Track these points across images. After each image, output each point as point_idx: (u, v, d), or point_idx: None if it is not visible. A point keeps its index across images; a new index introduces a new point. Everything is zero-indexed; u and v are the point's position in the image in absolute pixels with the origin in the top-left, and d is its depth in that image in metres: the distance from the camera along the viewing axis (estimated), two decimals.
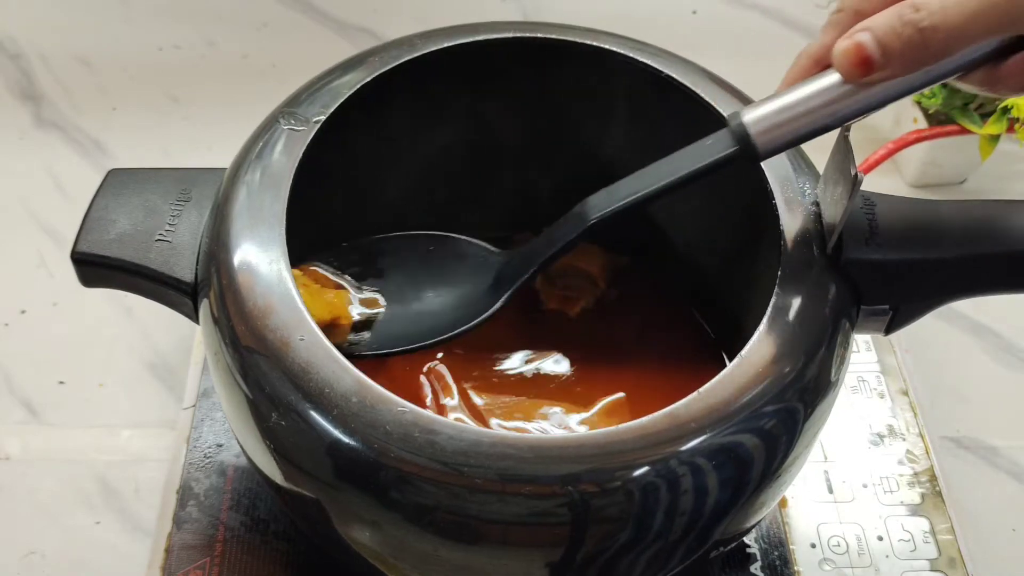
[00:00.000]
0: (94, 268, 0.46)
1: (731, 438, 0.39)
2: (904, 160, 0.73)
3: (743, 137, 0.41)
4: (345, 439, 0.38)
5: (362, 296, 0.49)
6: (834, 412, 0.45)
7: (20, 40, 0.80)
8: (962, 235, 0.44)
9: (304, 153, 0.46)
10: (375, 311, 0.49)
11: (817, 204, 0.46)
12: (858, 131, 0.44)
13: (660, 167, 0.43)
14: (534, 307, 0.55)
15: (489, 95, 0.54)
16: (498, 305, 0.47)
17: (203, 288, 0.44)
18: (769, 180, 0.46)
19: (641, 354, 0.54)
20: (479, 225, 0.53)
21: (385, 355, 0.47)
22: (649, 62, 0.51)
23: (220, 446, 0.55)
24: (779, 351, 0.41)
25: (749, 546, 0.53)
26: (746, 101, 0.49)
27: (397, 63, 0.50)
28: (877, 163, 0.70)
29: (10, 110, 0.76)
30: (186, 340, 0.62)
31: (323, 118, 0.47)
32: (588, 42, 0.51)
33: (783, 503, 0.55)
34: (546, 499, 0.38)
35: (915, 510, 0.55)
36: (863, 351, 0.61)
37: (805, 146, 0.48)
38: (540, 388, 0.52)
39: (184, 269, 0.45)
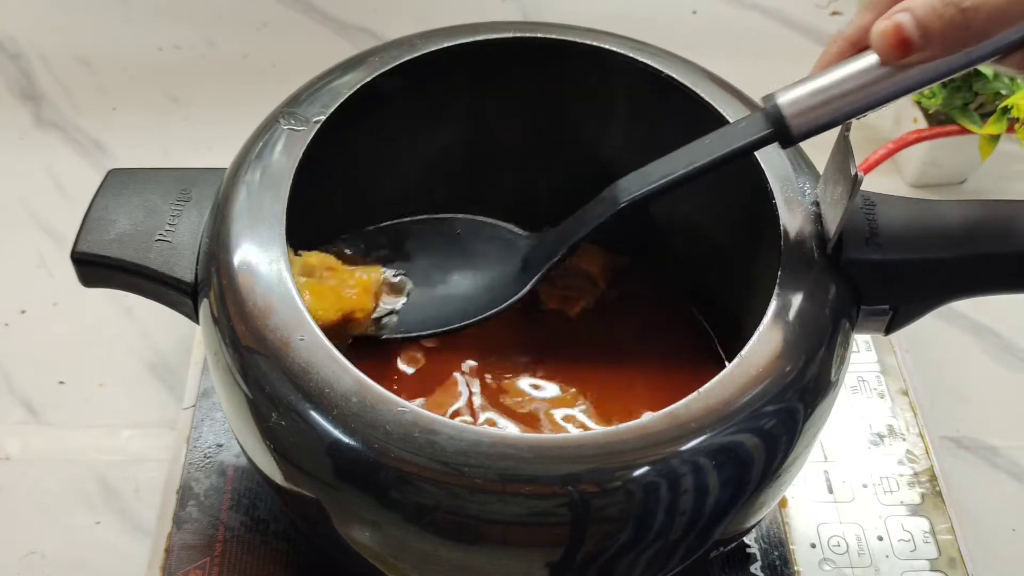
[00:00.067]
0: (94, 268, 0.46)
1: (731, 438, 0.39)
2: (904, 160, 0.73)
3: (777, 119, 0.41)
4: (345, 439, 0.38)
5: (392, 280, 0.49)
6: (834, 412, 0.45)
7: (20, 40, 0.80)
8: (962, 235, 0.44)
9: (304, 153, 0.46)
10: (406, 289, 0.49)
11: (817, 204, 0.46)
12: (858, 131, 0.44)
13: (692, 150, 0.43)
14: (534, 307, 0.55)
15: (489, 95, 0.54)
16: (527, 288, 0.47)
17: (203, 288, 0.44)
18: (769, 180, 0.46)
19: (641, 354, 0.54)
20: None
21: (414, 338, 0.47)
22: (649, 62, 0.51)
23: (220, 446, 0.55)
24: (779, 351, 0.41)
25: (749, 546, 0.53)
26: (746, 101, 0.49)
27: (397, 63, 0.50)
28: (877, 163, 0.70)
29: (10, 110, 0.76)
30: (186, 340, 0.61)
31: (323, 118, 0.47)
32: (588, 42, 0.51)
33: (783, 503, 0.55)
34: (546, 499, 0.38)
35: (915, 510, 0.55)
36: (863, 351, 0.61)
37: (805, 146, 0.48)
38: (540, 388, 0.52)
39: (184, 269, 0.45)
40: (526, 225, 0.53)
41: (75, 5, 0.83)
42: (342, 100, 0.48)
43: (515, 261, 0.48)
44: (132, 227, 0.46)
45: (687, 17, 0.85)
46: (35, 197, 0.70)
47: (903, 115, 0.72)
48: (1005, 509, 0.58)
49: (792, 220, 0.45)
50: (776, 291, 0.43)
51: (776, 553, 0.53)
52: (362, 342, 0.49)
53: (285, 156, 0.46)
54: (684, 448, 0.38)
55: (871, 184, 0.46)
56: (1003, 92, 0.66)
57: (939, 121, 0.70)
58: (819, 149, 0.47)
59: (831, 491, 0.55)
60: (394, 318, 0.48)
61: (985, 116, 0.68)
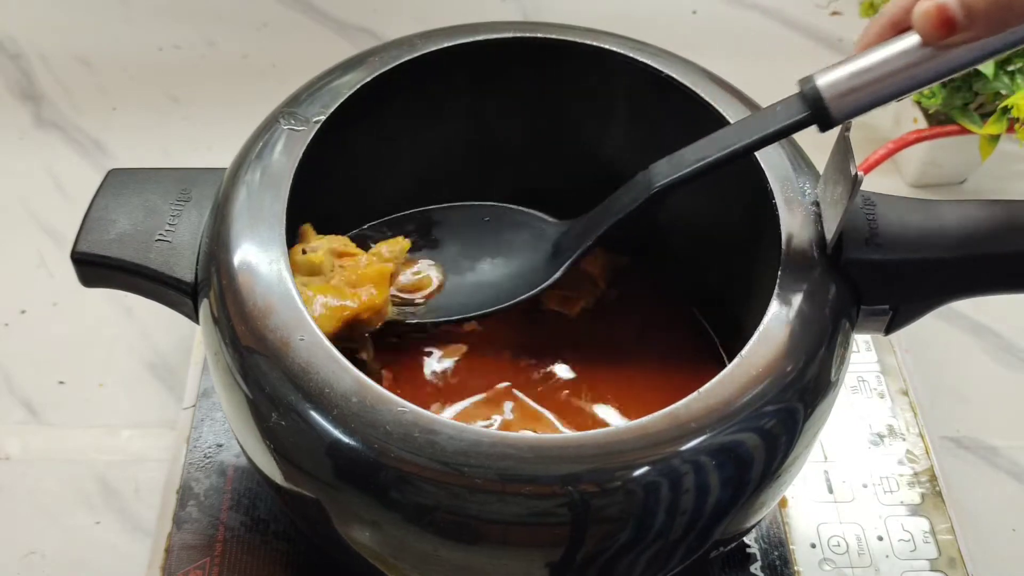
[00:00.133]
0: (94, 268, 0.46)
1: (731, 438, 0.39)
2: (904, 160, 0.73)
3: (816, 101, 0.40)
4: (345, 439, 0.38)
5: (416, 267, 0.49)
6: (834, 412, 0.45)
7: (20, 40, 0.80)
8: (962, 235, 0.44)
9: (304, 153, 0.46)
10: (428, 288, 0.49)
11: (817, 204, 0.46)
12: (858, 131, 0.44)
13: (726, 134, 0.43)
14: (534, 307, 0.55)
15: (489, 95, 0.54)
16: (560, 272, 0.47)
17: (203, 288, 0.44)
18: (769, 180, 0.46)
19: (641, 354, 0.54)
20: None
21: (442, 323, 0.47)
22: (649, 62, 0.51)
23: (220, 446, 0.55)
24: (779, 351, 0.41)
25: (749, 546, 0.53)
26: (746, 101, 0.49)
27: (397, 63, 0.50)
28: (877, 163, 0.70)
29: (10, 110, 0.76)
30: (186, 340, 0.62)
31: (323, 118, 0.47)
32: (588, 42, 0.51)
33: (783, 503, 0.55)
34: (546, 499, 0.38)
35: (915, 510, 0.55)
36: (863, 351, 0.61)
37: (805, 146, 0.49)
38: (540, 388, 0.52)
39: (184, 269, 0.45)
40: None
41: (75, 5, 0.83)
42: (342, 100, 0.48)
43: (545, 248, 0.48)
44: (132, 227, 0.46)
45: (687, 17, 0.85)
46: (35, 197, 0.70)
47: (903, 115, 0.72)
48: (1005, 509, 0.58)
49: (792, 220, 0.45)
50: (776, 291, 0.43)
51: (776, 553, 0.53)
52: (391, 328, 0.49)
53: (285, 156, 0.46)
54: (684, 448, 0.38)
55: (871, 184, 0.46)
56: (1003, 92, 0.66)
57: (939, 121, 0.70)
58: (819, 149, 0.47)
59: (831, 491, 0.55)
60: (421, 306, 0.48)
61: (985, 116, 0.68)
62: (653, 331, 0.56)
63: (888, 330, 0.47)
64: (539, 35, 0.52)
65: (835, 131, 0.43)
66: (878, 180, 0.69)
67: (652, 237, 0.57)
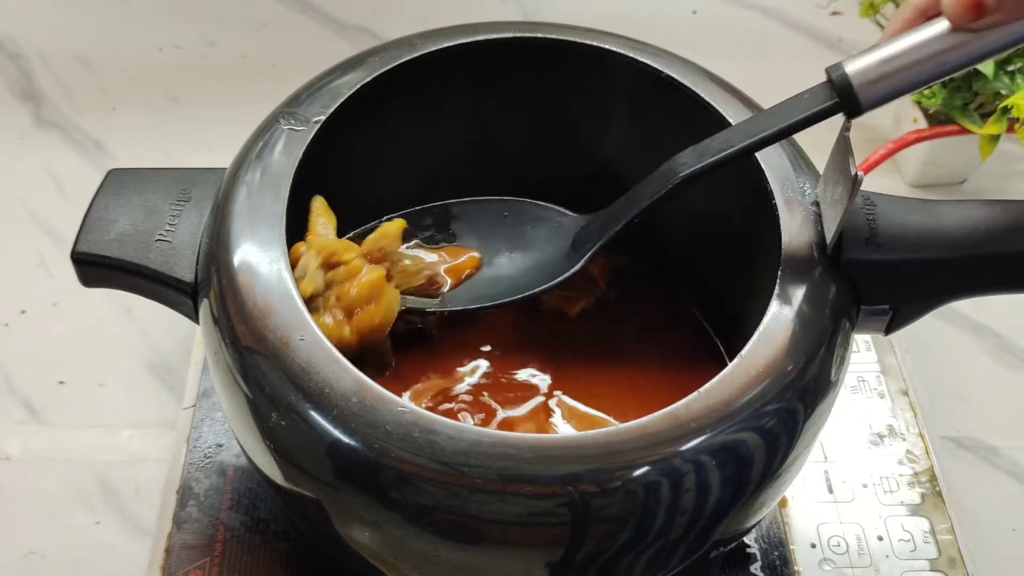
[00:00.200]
0: (94, 268, 0.46)
1: (731, 438, 0.39)
2: (904, 160, 0.73)
3: (845, 89, 0.40)
4: (345, 439, 0.38)
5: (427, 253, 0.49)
6: (834, 412, 0.45)
7: (20, 40, 0.80)
8: (962, 235, 0.44)
9: (304, 153, 0.46)
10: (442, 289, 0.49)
11: (817, 204, 0.46)
12: (858, 131, 0.44)
13: (751, 123, 0.43)
14: (534, 307, 0.55)
15: (489, 95, 0.54)
16: (582, 263, 0.47)
17: (203, 288, 0.44)
18: (769, 180, 0.46)
19: (641, 354, 0.54)
20: None
21: (460, 312, 0.48)
22: (649, 62, 0.51)
23: (220, 446, 0.55)
24: (779, 351, 0.41)
25: (749, 546, 0.53)
26: (746, 101, 0.49)
27: (397, 63, 0.50)
28: (877, 163, 0.70)
29: (10, 110, 0.76)
30: (186, 340, 0.62)
31: (323, 118, 0.47)
32: (588, 42, 0.51)
33: (783, 503, 0.55)
34: (546, 499, 0.38)
35: (915, 510, 0.55)
36: (863, 351, 0.61)
37: (805, 146, 0.48)
38: (540, 388, 0.52)
39: (184, 269, 0.45)
40: None
41: (75, 5, 0.83)
42: (342, 100, 0.48)
43: (562, 243, 0.48)
44: (132, 227, 0.46)
45: (687, 17, 0.85)
46: (35, 197, 0.70)
47: (903, 115, 0.72)
48: (1005, 509, 0.58)
49: (792, 220, 0.45)
50: (776, 291, 0.43)
51: (776, 553, 0.53)
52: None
53: (285, 156, 0.46)
54: (684, 448, 0.38)
55: (871, 184, 0.46)
56: (1003, 92, 0.66)
57: (939, 121, 0.70)
58: (819, 149, 0.47)
59: (831, 491, 0.55)
60: (436, 297, 0.48)
61: (985, 116, 0.68)
62: (653, 331, 0.56)
63: (888, 330, 0.47)
64: (539, 35, 0.52)
65: (835, 131, 0.43)
66: (878, 180, 0.69)
67: (652, 237, 0.57)
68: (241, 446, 0.46)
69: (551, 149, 0.57)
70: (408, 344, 0.53)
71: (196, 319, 0.46)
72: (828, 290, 0.43)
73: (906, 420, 0.58)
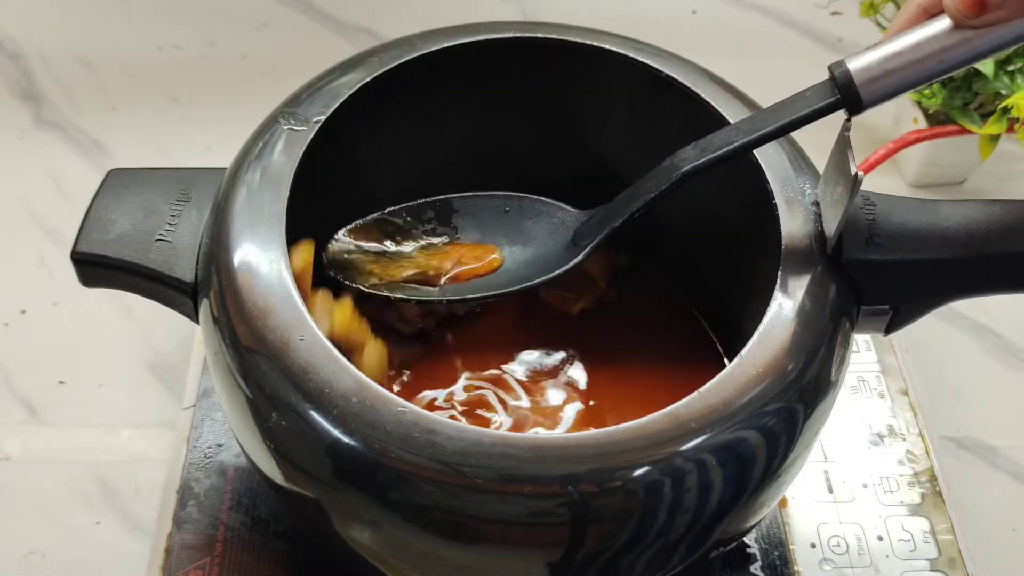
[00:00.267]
0: (94, 268, 0.46)
1: (731, 438, 0.39)
2: (904, 160, 0.73)
3: (847, 85, 0.40)
4: (345, 439, 0.38)
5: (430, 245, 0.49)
6: (834, 412, 0.45)
7: (20, 40, 0.80)
8: (962, 235, 0.44)
9: (304, 153, 0.46)
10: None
11: (817, 204, 0.46)
12: (858, 131, 0.44)
13: (753, 119, 0.43)
14: (535, 307, 0.55)
15: (489, 95, 0.54)
16: (583, 255, 0.47)
17: (203, 288, 0.44)
18: (769, 180, 0.46)
19: (641, 354, 0.54)
20: None
21: (459, 301, 0.48)
22: (649, 62, 0.51)
23: (220, 446, 0.55)
24: (779, 351, 0.41)
25: (749, 546, 0.53)
26: (746, 101, 0.49)
27: (397, 63, 0.50)
28: (877, 163, 0.70)
29: (10, 110, 0.76)
30: (186, 340, 0.62)
31: (323, 118, 0.47)
32: (588, 42, 0.51)
33: (783, 503, 0.55)
34: (546, 499, 0.38)
35: (915, 510, 0.55)
36: (863, 351, 0.61)
37: (805, 146, 0.48)
38: (540, 388, 0.52)
39: (184, 269, 0.45)
40: None
41: (75, 5, 0.83)
42: (342, 100, 0.48)
43: (565, 236, 0.48)
44: (132, 227, 0.46)
45: (687, 17, 0.85)
46: (35, 197, 0.70)
47: (903, 115, 0.72)
48: (1005, 509, 0.58)
49: (792, 220, 0.45)
50: (776, 291, 0.43)
51: (776, 553, 0.53)
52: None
53: (285, 156, 0.46)
54: (684, 448, 0.38)
55: (871, 184, 0.46)
56: (1003, 92, 0.66)
57: (939, 121, 0.70)
58: (819, 149, 0.47)
59: (831, 491, 0.55)
60: (436, 289, 0.49)
61: (985, 116, 0.68)
62: (653, 331, 0.56)
63: (888, 330, 0.47)
64: (539, 35, 0.52)
65: (835, 130, 0.43)
66: (878, 180, 0.69)
67: (652, 237, 0.57)
68: (241, 446, 0.46)
69: (551, 149, 0.57)
70: (408, 344, 0.53)
71: (196, 319, 0.46)
72: (828, 290, 0.43)
73: (906, 420, 0.58)
